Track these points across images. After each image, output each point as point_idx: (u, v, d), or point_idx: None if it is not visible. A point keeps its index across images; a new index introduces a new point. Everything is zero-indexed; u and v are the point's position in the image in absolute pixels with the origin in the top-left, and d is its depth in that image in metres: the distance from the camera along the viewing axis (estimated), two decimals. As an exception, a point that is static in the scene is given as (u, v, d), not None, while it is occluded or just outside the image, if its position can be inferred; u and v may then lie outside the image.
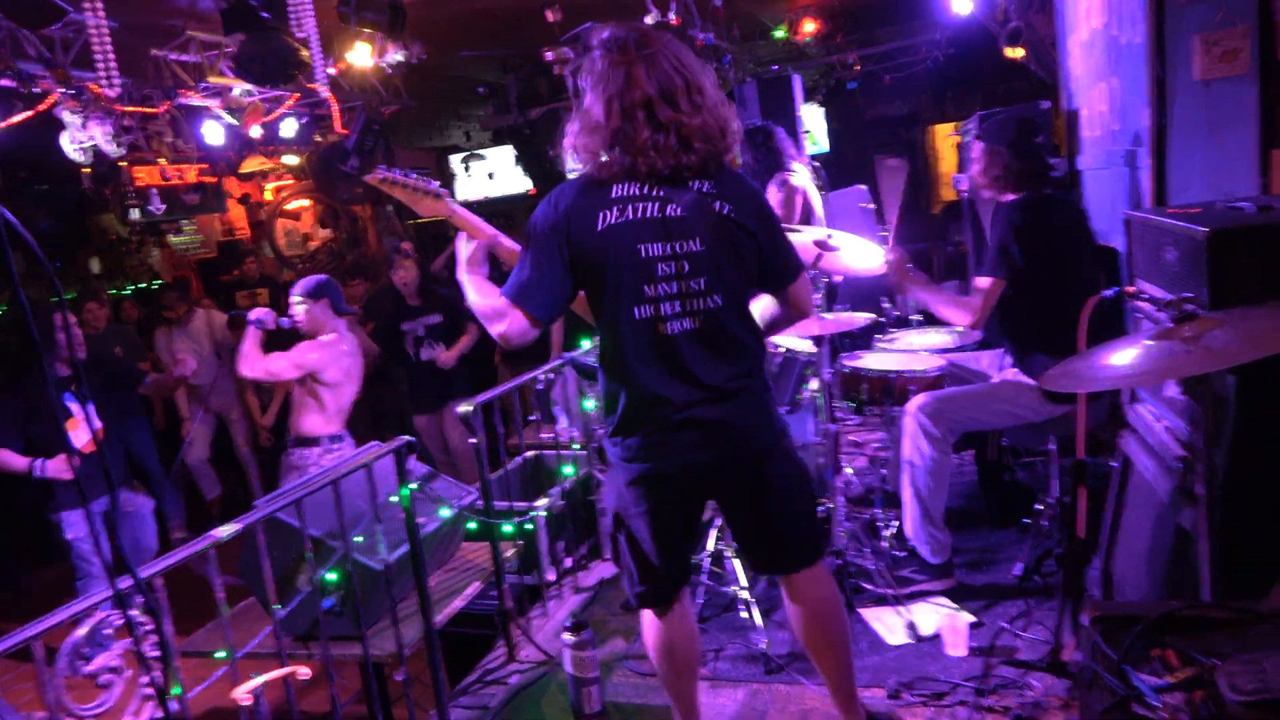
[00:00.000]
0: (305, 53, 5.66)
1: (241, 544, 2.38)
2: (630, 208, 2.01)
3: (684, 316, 2.02)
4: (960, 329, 3.91)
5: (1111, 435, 2.69)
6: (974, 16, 5.83)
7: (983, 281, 3.00)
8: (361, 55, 6.39)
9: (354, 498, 2.64)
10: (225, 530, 2.14)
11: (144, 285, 9.26)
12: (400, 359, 5.73)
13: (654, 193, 2.02)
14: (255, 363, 4.03)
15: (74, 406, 4.19)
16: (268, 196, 10.79)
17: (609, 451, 2.17)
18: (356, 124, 6.72)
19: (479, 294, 2.13)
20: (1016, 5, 5.35)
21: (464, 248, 2.19)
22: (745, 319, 2.13)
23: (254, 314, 4.08)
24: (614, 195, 2.02)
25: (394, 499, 2.76)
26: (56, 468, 4.01)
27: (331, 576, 2.62)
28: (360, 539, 2.69)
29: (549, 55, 6.76)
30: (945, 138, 10.45)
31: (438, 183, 2.16)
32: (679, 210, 2.02)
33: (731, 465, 2.11)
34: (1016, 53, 5.47)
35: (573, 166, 2.11)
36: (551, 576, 3.61)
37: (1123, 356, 1.58)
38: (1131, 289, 2.19)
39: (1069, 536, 2.47)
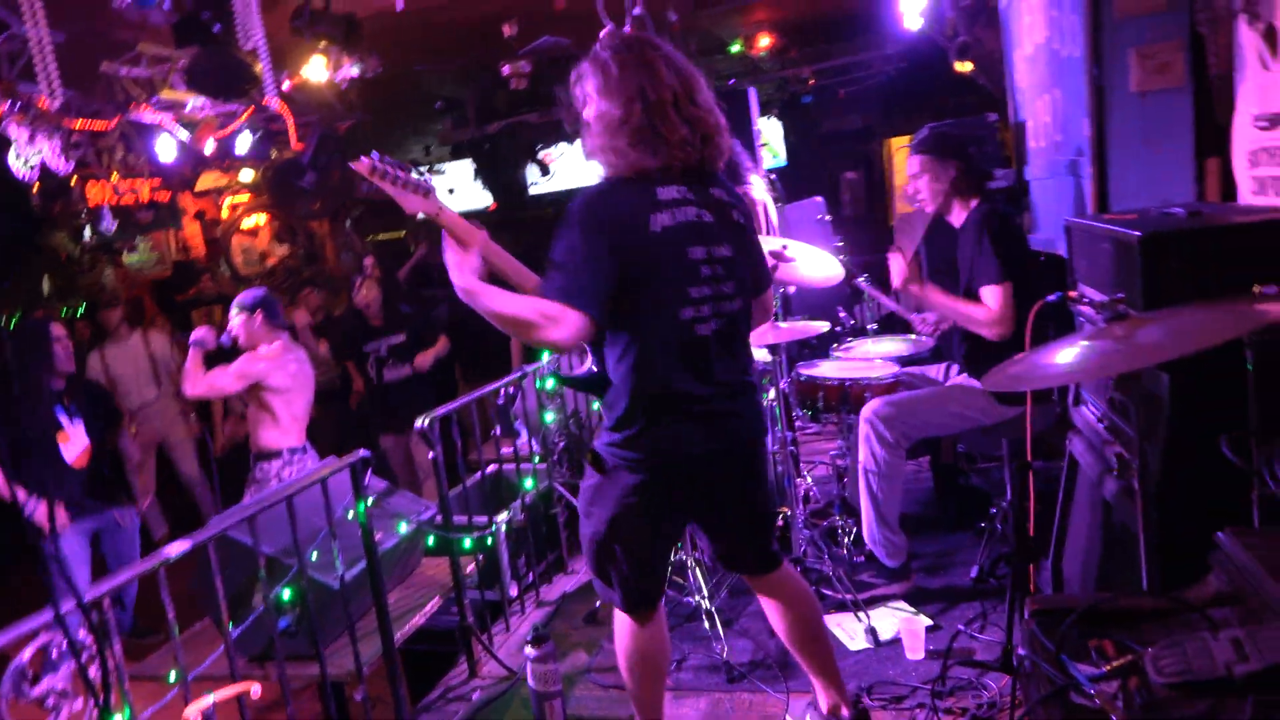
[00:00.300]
0: (258, 66, 5.61)
1: (194, 563, 2.34)
2: (678, 211, 2.03)
3: (712, 319, 2.08)
4: (914, 337, 3.98)
5: (1062, 439, 2.75)
6: (924, 32, 5.95)
7: (995, 289, 2.96)
8: (317, 69, 6.35)
9: (309, 514, 2.61)
10: (175, 548, 2.11)
11: (97, 304, 9.07)
12: (364, 380, 5.64)
13: (689, 196, 2.06)
14: (198, 380, 4.01)
15: (64, 420, 4.16)
16: (224, 214, 10.64)
17: (611, 455, 2.11)
18: (312, 139, 6.66)
19: (508, 300, 1.94)
20: (965, 20, 5.47)
21: (456, 254, 1.97)
22: (749, 320, 2.24)
23: (194, 335, 4.07)
24: (661, 198, 2.02)
25: (350, 515, 2.74)
26: (45, 515, 3.92)
27: (286, 595, 2.59)
28: (316, 556, 2.66)
29: (506, 69, 6.77)
30: (899, 149, 10.63)
31: (428, 177, 2.05)
32: (709, 216, 2.08)
33: (724, 457, 2.15)
34: (965, 66, 5.59)
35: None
36: (513, 591, 3.60)
37: (1059, 356, 1.64)
38: (1074, 293, 2.26)
39: (1017, 537, 2.52)
